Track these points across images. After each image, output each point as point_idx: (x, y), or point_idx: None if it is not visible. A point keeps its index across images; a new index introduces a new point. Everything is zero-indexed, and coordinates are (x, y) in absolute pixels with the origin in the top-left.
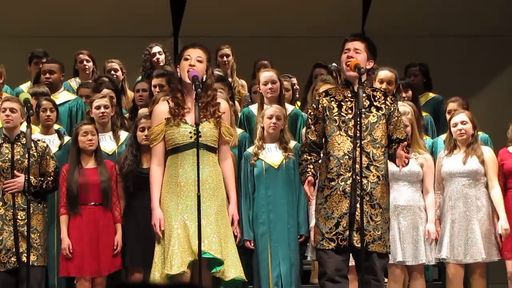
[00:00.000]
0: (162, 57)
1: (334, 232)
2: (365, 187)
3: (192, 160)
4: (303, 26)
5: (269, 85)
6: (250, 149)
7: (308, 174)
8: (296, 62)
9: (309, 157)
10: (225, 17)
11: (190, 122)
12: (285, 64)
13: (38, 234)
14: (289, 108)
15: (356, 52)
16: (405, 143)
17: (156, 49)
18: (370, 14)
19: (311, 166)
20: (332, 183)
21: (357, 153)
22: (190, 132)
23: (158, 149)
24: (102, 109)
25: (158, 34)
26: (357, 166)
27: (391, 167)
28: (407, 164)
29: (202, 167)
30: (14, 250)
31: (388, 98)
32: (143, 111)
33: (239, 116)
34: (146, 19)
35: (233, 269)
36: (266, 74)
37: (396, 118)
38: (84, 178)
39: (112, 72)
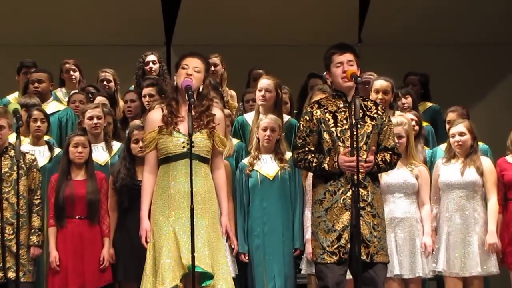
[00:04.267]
0: (155, 67)
1: (336, 246)
2: (365, 198)
3: (184, 171)
4: (297, 34)
5: (262, 92)
6: (245, 160)
7: (333, 156)
8: (290, 72)
9: (312, 154)
10: (218, 25)
11: (183, 131)
12: (278, 74)
13: (26, 250)
14: (285, 118)
15: (350, 65)
16: (373, 148)
17: (151, 57)
18: (366, 22)
19: (321, 155)
20: (333, 196)
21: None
22: (183, 142)
23: (150, 156)
24: (95, 120)
25: (150, 43)
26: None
27: (388, 178)
28: (365, 170)
29: (194, 178)
30: (1, 265)
31: (379, 108)
32: (135, 122)
33: (234, 125)
34: (138, 28)
35: (223, 283)
36: (263, 82)
37: (386, 127)
38: (71, 191)
39: (105, 82)
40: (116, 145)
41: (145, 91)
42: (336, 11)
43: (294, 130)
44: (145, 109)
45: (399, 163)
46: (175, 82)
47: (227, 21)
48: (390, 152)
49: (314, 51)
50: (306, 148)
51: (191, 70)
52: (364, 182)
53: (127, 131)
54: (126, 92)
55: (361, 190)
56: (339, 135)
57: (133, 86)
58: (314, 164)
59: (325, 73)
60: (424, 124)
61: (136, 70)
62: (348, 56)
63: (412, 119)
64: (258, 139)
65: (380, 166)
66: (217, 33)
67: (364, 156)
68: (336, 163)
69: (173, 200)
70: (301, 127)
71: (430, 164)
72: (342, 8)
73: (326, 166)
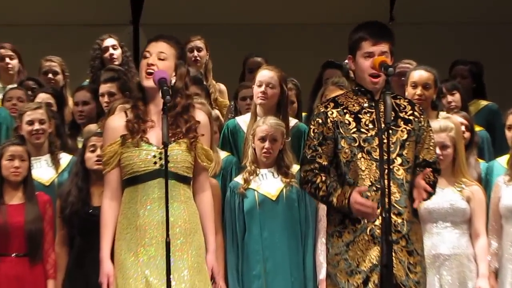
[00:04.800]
0: (117, 53)
1: None
2: (399, 228)
3: (157, 194)
4: (310, 10)
5: (262, 88)
6: (239, 177)
7: (346, 189)
8: (299, 60)
9: (326, 179)
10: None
11: (155, 142)
12: (283, 63)
13: None
14: (291, 122)
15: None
16: (428, 170)
17: (110, 41)
18: None
19: (334, 183)
20: (356, 225)
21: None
22: (154, 156)
23: (111, 177)
24: (37, 125)
25: (112, 22)
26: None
27: (429, 202)
28: (425, 199)
29: (170, 204)
30: None
31: (416, 108)
32: (90, 127)
33: (222, 131)
34: (97, 2)
35: None
36: (264, 74)
37: (425, 133)
38: (4, 219)
39: (50, 75)
40: (65, 159)
41: (103, 88)
42: None
43: (303, 138)
44: (103, 111)
45: (444, 181)
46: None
47: None
48: (431, 169)
49: (333, 33)
50: (317, 164)
51: (154, 59)
52: (398, 206)
53: (80, 139)
54: (77, 89)
55: (394, 217)
56: (362, 144)
57: (87, 81)
58: (321, 193)
59: (345, 61)
60: (477, 129)
61: (90, 61)
62: (382, 47)
63: (461, 123)
64: (254, 149)
65: (430, 192)
66: (201, 8)
67: (400, 175)
68: (347, 201)
69: (143, 233)
70: (312, 133)
71: (485, 182)
72: None
73: (334, 200)
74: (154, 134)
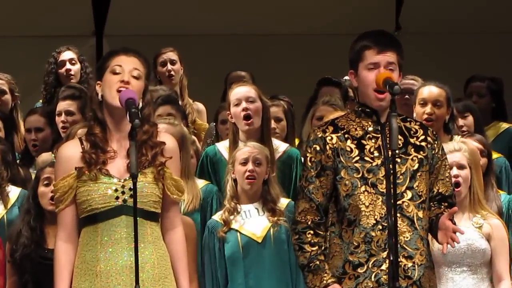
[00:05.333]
0: (75, 69)
1: None
2: (409, 274)
3: (120, 234)
4: (305, 18)
5: (243, 104)
6: (217, 216)
7: (325, 277)
8: (291, 76)
9: (315, 239)
10: (173, 7)
11: (116, 173)
12: (271, 79)
13: None
14: (281, 146)
15: (390, 69)
16: (455, 208)
17: (67, 55)
18: (406, 3)
19: (323, 258)
20: (359, 270)
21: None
22: (116, 190)
23: (65, 216)
24: None
25: (74, 33)
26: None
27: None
28: (457, 242)
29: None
30: None
31: (429, 133)
32: (43, 157)
33: (201, 159)
34: (56, 12)
35: None
36: (238, 90)
37: (439, 162)
38: None
39: None
40: (14, 192)
41: (61, 106)
42: None
43: (295, 166)
44: (59, 136)
45: (460, 215)
46: (99, 95)
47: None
48: (446, 204)
49: (331, 45)
50: (314, 204)
51: (128, 76)
52: (408, 248)
53: (32, 170)
54: (28, 113)
55: (403, 261)
56: (366, 175)
57: (40, 102)
58: (301, 259)
59: (344, 78)
60: (495, 155)
61: (44, 76)
62: (388, 57)
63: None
64: (235, 181)
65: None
66: (174, 16)
67: (410, 211)
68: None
69: (105, 280)
70: (309, 163)
71: (506, 217)
72: None
73: (310, 277)
74: (115, 166)
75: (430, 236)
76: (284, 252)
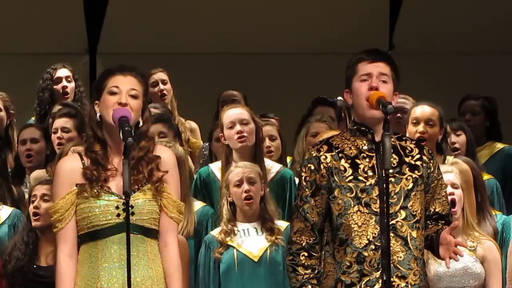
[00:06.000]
0: (71, 86)
1: None
2: None
3: (120, 251)
4: (298, 37)
5: (237, 127)
6: (215, 232)
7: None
8: (284, 95)
9: (309, 262)
10: (166, 26)
11: (117, 191)
12: (264, 98)
13: None
14: (274, 167)
15: (383, 81)
16: (456, 223)
17: (63, 72)
18: (400, 21)
19: (315, 282)
20: None
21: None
22: (117, 208)
23: (68, 232)
24: None
25: (67, 50)
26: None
27: (437, 265)
28: (460, 256)
29: (136, 262)
30: None
31: (424, 152)
32: (36, 174)
33: (194, 181)
34: (50, 29)
35: None
36: (232, 113)
37: (435, 181)
38: None
39: None
40: (5, 211)
41: (58, 123)
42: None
43: (288, 187)
44: (53, 154)
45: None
46: (97, 115)
47: (180, 18)
48: (443, 222)
49: (326, 64)
50: (308, 224)
51: (125, 97)
52: (402, 268)
53: (24, 188)
54: (24, 127)
55: (396, 280)
56: (360, 194)
57: (32, 119)
58: (293, 281)
59: (338, 98)
60: (486, 177)
61: (38, 92)
62: (381, 67)
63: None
64: (230, 203)
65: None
66: (168, 35)
67: (403, 231)
68: None
69: None
70: (304, 182)
71: (501, 237)
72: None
73: None
74: (116, 182)
75: (426, 256)
76: (279, 273)
